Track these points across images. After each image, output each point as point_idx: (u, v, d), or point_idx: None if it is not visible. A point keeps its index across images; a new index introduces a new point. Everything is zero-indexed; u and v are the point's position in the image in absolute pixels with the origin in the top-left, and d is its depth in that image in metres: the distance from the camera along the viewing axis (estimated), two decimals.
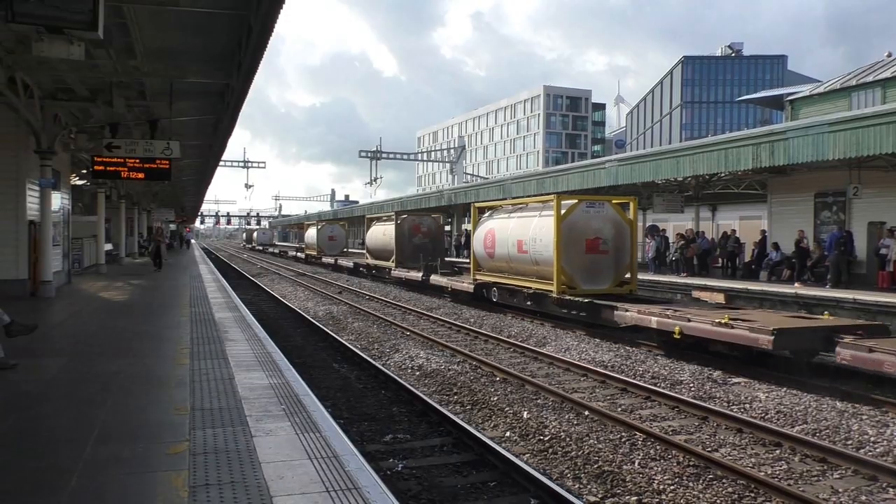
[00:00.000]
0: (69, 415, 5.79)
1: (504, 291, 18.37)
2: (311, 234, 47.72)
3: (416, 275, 24.53)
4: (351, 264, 36.27)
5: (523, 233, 16.81)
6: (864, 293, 15.39)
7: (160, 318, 12.45)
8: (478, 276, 20.00)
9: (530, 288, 16.56)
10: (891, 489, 6.06)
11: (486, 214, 20.25)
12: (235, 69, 12.18)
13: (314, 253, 44.90)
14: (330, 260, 40.76)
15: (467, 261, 29.70)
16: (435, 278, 22.93)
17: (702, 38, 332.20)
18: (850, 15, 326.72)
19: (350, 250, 48.48)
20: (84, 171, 23.25)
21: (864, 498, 5.90)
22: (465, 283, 20.53)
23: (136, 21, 10.52)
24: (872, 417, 8.21)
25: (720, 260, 24.41)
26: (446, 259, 28.90)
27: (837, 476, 6.41)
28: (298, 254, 53.06)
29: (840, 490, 6.05)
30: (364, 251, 37.68)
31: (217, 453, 4.72)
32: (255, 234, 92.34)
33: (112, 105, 14.37)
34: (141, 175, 15.62)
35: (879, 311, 14.14)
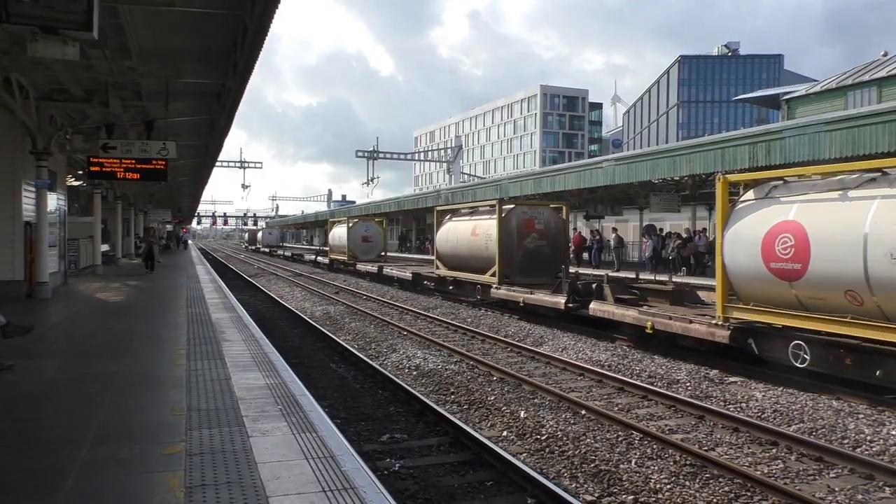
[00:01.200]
0: (66, 416, 5.78)
1: None
2: (338, 233, 38.44)
3: (552, 299, 15.66)
4: (408, 275, 25.77)
5: None
6: None
7: (157, 318, 12.43)
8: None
9: None
10: (887, 488, 6.08)
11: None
12: (231, 69, 12.16)
13: (343, 258, 36.24)
14: (369, 267, 31.21)
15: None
16: (602, 308, 13.90)
17: (700, 37, 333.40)
18: (849, 13, 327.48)
19: (388, 254, 38.71)
20: (80, 172, 23.21)
21: (860, 497, 5.91)
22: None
23: (131, 21, 10.50)
24: (868, 416, 8.22)
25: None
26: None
27: (834, 475, 6.42)
28: (320, 258, 43.87)
29: (836, 489, 6.06)
30: (404, 256, 34.64)
31: (213, 454, 4.71)
32: (259, 235, 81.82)
33: (108, 106, 14.35)
34: (137, 176, 15.59)
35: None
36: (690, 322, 11.36)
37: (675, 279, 17.59)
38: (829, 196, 9.59)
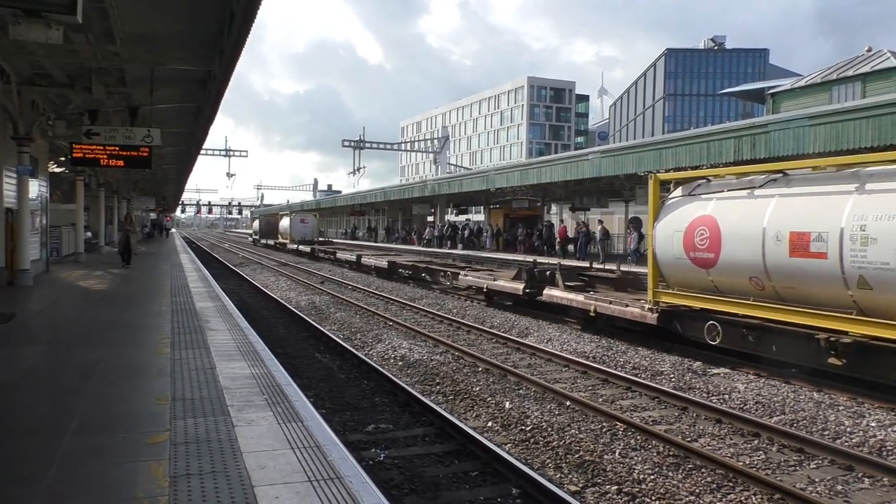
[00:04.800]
0: (48, 404, 5.73)
1: None
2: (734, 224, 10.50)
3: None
4: None
5: None
6: None
7: (140, 307, 12.34)
8: None
9: None
10: (866, 479, 6.16)
11: None
12: (217, 56, 12.06)
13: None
14: None
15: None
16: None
17: (692, 29, 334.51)
18: (842, 7, 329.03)
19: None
20: (63, 159, 22.96)
21: (840, 487, 5.98)
22: None
23: (115, 6, 10.36)
24: (849, 409, 8.33)
25: None
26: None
27: (814, 466, 6.50)
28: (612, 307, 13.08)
29: (816, 480, 6.14)
30: None
31: (198, 443, 4.69)
32: (285, 224, 51.35)
33: (91, 91, 14.17)
34: (121, 163, 15.41)
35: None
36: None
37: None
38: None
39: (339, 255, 35.42)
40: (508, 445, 7.03)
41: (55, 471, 4.18)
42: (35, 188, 17.21)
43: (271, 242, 56.11)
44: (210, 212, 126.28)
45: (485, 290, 18.13)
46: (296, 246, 45.44)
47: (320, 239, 51.06)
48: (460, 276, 20.10)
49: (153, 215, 64.50)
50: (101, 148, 15.06)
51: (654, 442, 7.05)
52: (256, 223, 68.98)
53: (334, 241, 56.89)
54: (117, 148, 15.13)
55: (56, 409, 5.56)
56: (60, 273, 18.79)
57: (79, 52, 11.94)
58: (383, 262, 27.54)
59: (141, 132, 15.32)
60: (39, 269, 17.64)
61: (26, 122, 14.73)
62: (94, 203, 30.71)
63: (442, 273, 22.87)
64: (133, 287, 16.28)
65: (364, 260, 30.28)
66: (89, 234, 29.45)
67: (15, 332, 8.80)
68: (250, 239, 72.66)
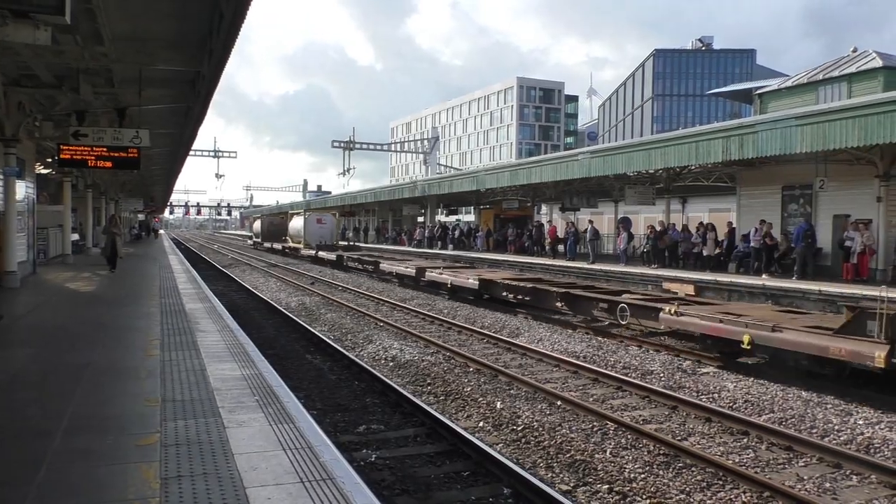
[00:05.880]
0: (37, 406, 5.69)
1: None
2: None
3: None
4: None
5: None
6: (828, 284, 15.71)
7: (129, 308, 12.27)
8: None
9: None
10: (854, 476, 6.22)
11: None
12: (206, 57, 11.99)
13: None
14: None
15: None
16: None
17: (682, 29, 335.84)
18: (829, 8, 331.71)
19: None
20: (50, 160, 22.77)
21: (828, 485, 6.04)
22: None
23: (103, 6, 10.29)
24: (836, 406, 8.40)
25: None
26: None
27: (802, 464, 6.55)
28: None
29: (805, 477, 6.19)
30: None
31: (189, 445, 4.67)
32: (297, 226, 43.05)
33: (79, 92, 14.04)
34: (109, 164, 15.27)
35: (844, 303, 14.38)
36: None
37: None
38: None
39: (385, 266, 25.21)
40: (500, 445, 7.05)
41: (45, 473, 4.15)
42: (22, 190, 17.08)
43: (278, 246, 47.53)
44: (199, 213, 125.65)
45: (745, 344, 9.71)
46: (313, 251, 37.10)
47: (343, 243, 43.38)
48: (665, 315, 11.38)
49: (141, 216, 64.23)
50: (89, 149, 14.92)
51: (644, 441, 7.08)
52: (258, 224, 59.93)
53: (360, 244, 47.61)
54: (105, 149, 14.99)
55: (45, 411, 5.53)
56: (47, 275, 18.65)
57: (66, 52, 11.84)
58: (471, 281, 18.28)
59: (129, 133, 15.19)
60: (26, 270, 17.50)
61: (13, 123, 14.60)
62: (81, 204, 30.51)
63: (600, 304, 13.71)
64: (121, 289, 16.18)
65: (430, 275, 20.78)
66: (76, 235, 29.24)
67: (2, 334, 8.73)
68: (250, 242, 64.77)
